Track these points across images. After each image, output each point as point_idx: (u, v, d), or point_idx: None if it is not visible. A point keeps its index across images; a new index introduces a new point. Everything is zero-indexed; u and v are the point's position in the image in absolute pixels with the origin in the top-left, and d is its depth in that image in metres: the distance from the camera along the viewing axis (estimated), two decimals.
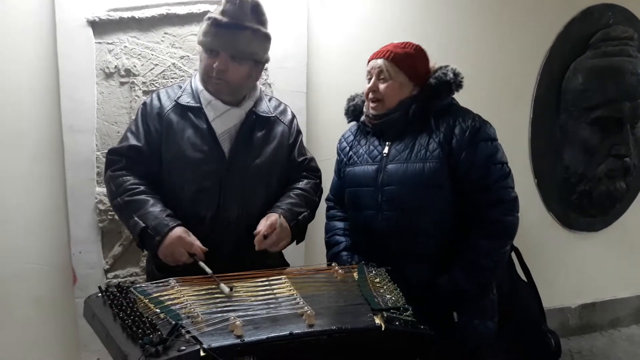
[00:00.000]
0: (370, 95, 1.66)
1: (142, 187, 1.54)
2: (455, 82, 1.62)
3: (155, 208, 1.50)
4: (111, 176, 1.57)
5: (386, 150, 1.66)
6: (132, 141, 1.58)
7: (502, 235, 1.59)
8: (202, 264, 1.42)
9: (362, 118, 1.75)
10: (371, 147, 1.71)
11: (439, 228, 1.61)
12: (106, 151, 1.64)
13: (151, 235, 1.46)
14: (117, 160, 1.58)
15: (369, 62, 1.68)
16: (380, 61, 1.63)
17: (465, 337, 1.61)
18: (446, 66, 1.65)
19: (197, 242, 1.47)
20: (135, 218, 1.49)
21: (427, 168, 1.58)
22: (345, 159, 1.78)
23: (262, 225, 1.52)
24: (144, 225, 1.47)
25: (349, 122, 1.83)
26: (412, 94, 1.64)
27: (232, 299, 1.28)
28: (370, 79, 1.66)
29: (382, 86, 1.63)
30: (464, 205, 1.60)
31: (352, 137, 1.81)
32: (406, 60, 1.62)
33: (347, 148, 1.79)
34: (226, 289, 1.30)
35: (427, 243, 1.61)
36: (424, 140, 1.61)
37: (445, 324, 1.52)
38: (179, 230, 1.47)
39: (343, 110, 1.82)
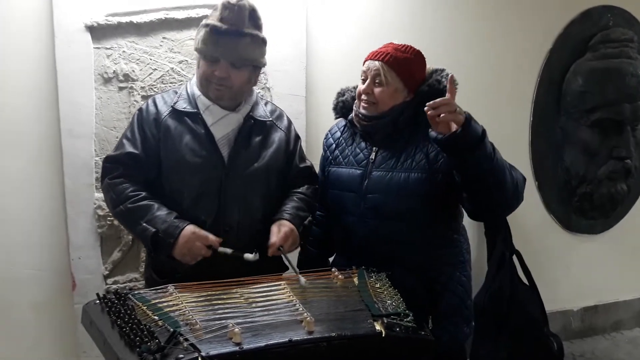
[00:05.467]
0: (364, 97, 1.62)
1: (143, 193, 1.53)
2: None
3: (161, 212, 1.50)
4: (110, 184, 1.56)
5: (373, 155, 1.64)
6: (129, 148, 1.57)
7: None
8: (221, 248, 1.46)
9: (350, 116, 1.71)
10: (357, 149, 1.69)
11: (423, 237, 1.60)
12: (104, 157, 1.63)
13: (163, 238, 1.46)
14: (115, 168, 1.57)
15: (365, 60, 1.64)
16: (378, 64, 1.59)
17: (440, 342, 1.56)
18: (442, 70, 1.62)
19: (211, 235, 1.49)
20: (144, 224, 1.48)
21: (412, 178, 1.56)
22: (330, 157, 1.76)
23: (276, 236, 1.52)
24: (154, 230, 1.46)
25: (335, 118, 1.80)
26: (405, 100, 1.61)
27: (231, 305, 1.27)
28: (364, 80, 1.63)
29: (377, 90, 1.59)
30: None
31: (339, 134, 1.78)
32: (404, 66, 1.58)
33: (333, 146, 1.77)
34: (251, 256, 1.40)
35: (411, 251, 1.61)
36: (411, 150, 1.59)
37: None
38: (191, 227, 1.48)
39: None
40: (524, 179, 1.55)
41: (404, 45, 1.62)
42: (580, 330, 3.11)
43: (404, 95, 1.61)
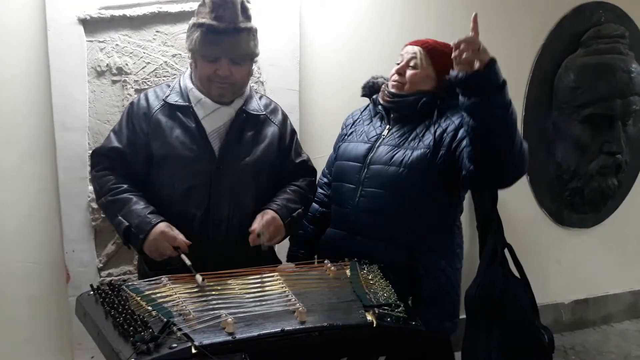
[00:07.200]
0: (395, 77, 1.68)
1: (124, 186, 1.55)
2: None
3: (137, 206, 1.51)
4: (95, 176, 1.60)
5: (385, 132, 1.70)
6: (114, 143, 1.59)
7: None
8: (183, 256, 1.44)
9: (376, 96, 1.78)
10: (372, 127, 1.75)
11: (415, 215, 1.63)
12: None
13: (134, 233, 1.47)
14: (100, 161, 1.60)
15: (405, 46, 1.71)
16: (416, 48, 1.66)
17: None
18: None
19: (181, 236, 1.48)
20: (119, 217, 1.50)
21: (415, 153, 1.60)
22: (345, 134, 1.83)
23: (257, 223, 1.52)
24: (127, 224, 1.48)
25: (362, 95, 1.87)
26: (432, 90, 1.66)
27: (224, 296, 1.28)
28: (400, 63, 1.69)
29: (409, 72, 1.66)
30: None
31: (358, 114, 1.85)
32: (441, 57, 1.63)
33: (351, 124, 1.84)
34: (200, 279, 1.33)
35: (402, 226, 1.63)
36: (421, 130, 1.64)
37: None
38: (162, 226, 1.47)
39: (361, 90, 1.86)
40: (527, 150, 1.53)
41: (445, 42, 1.66)
42: (571, 323, 3.14)
43: (432, 84, 1.67)
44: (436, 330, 1.66)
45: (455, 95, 1.62)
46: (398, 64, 1.69)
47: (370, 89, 1.83)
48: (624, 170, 3.02)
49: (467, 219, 2.69)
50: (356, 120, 1.83)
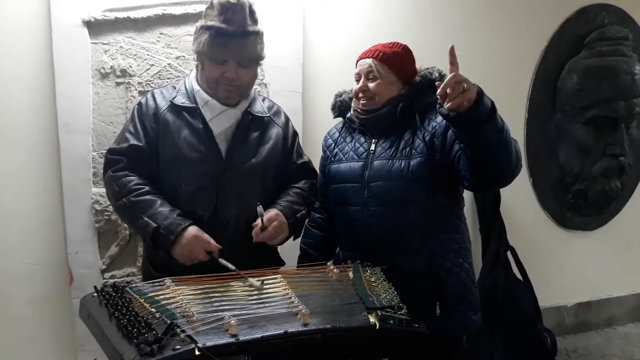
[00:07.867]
0: (361, 95, 1.67)
1: (147, 188, 1.53)
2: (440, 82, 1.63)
3: (164, 208, 1.50)
4: (113, 176, 1.55)
5: (372, 147, 1.68)
6: (133, 141, 1.57)
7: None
8: (222, 260, 1.45)
9: (349, 114, 1.76)
10: (357, 144, 1.73)
11: (425, 222, 1.62)
12: (103, 151, 1.64)
13: (164, 234, 1.46)
14: (118, 160, 1.56)
15: (357, 62, 1.70)
16: (369, 60, 1.65)
17: (449, 330, 1.62)
18: (433, 67, 1.68)
19: (212, 240, 1.48)
20: (145, 218, 1.47)
21: (412, 163, 1.60)
22: (330, 156, 1.80)
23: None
24: (155, 225, 1.46)
25: (334, 117, 1.85)
26: (401, 92, 1.66)
27: (227, 297, 1.29)
28: (359, 80, 1.68)
29: (371, 85, 1.65)
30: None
31: (337, 134, 1.83)
32: (395, 59, 1.64)
33: (333, 145, 1.81)
34: (257, 283, 1.34)
35: (415, 236, 1.62)
36: (409, 138, 1.63)
37: (427, 316, 1.47)
38: (194, 229, 1.47)
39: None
40: (519, 148, 1.54)
41: (391, 42, 1.69)
42: (573, 325, 3.13)
43: (398, 87, 1.66)
44: (466, 327, 1.67)
45: (427, 92, 1.63)
46: (357, 80, 1.69)
47: (340, 109, 1.81)
48: (627, 173, 3.02)
49: (470, 221, 2.69)
50: (337, 140, 1.81)
